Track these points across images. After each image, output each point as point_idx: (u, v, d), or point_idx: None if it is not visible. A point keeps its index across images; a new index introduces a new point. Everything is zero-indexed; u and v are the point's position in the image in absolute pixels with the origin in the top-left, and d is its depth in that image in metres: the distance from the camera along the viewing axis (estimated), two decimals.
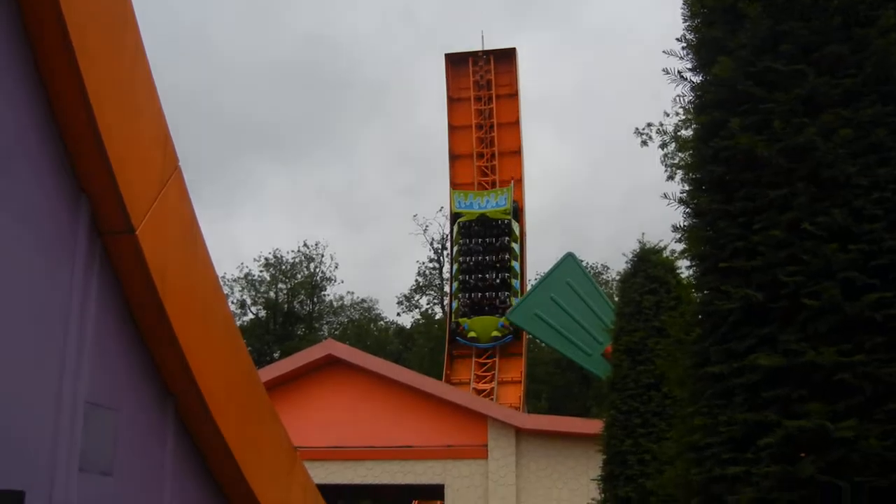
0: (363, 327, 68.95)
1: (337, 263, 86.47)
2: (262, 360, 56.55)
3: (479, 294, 40.88)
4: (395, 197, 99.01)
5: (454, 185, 44.75)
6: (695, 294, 6.10)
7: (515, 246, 41.56)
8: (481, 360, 40.08)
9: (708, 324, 5.59)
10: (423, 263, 69.07)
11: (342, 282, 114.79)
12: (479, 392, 37.20)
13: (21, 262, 4.96)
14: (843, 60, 5.28)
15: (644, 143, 36.41)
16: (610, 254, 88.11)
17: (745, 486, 4.85)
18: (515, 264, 41.16)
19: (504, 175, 44.09)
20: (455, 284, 41.95)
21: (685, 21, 6.20)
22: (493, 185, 44.11)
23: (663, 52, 6.22)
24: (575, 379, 56.72)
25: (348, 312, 71.31)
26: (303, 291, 67.47)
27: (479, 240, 41.48)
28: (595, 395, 48.82)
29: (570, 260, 27.47)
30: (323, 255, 68.82)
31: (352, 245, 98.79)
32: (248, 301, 66.63)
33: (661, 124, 35.05)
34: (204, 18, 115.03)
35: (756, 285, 5.13)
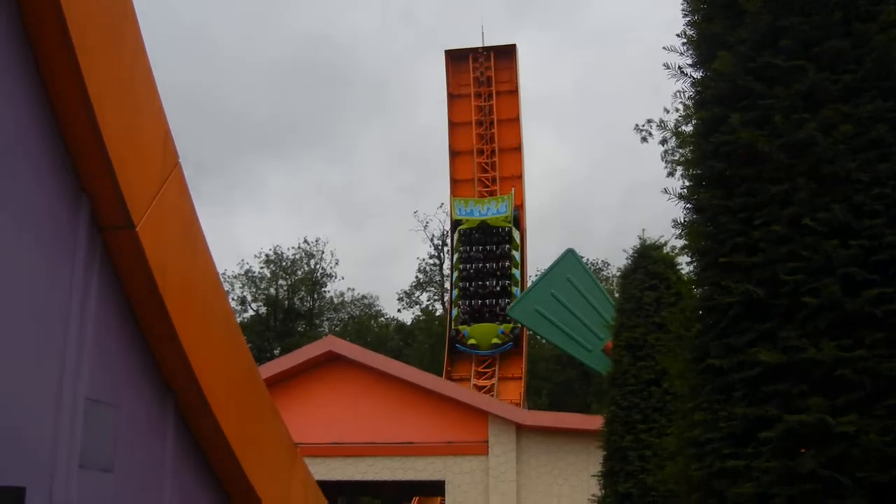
0: (364, 324, 68.95)
1: (337, 260, 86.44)
2: (262, 356, 56.57)
3: (479, 301, 40.80)
4: (396, 194, 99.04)
5: (454, 182, 44.76)
6: (695, 290, 6.11)
7: (516, 254, 41.46)
8: (482, 357, 40.07)
9: (708, 319, 5.59)
10: (424, 260, 69.14)
11: (343, 278, 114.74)
12: (479, 388, 37.20)
13: (21, 259, 4.96)
14: (844, 56, 5.28)
15: (644, 139, 36.36)
16: (610, 250, 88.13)
17: (746, 481, 4.86)
18: (516, 272, 41.06)
19: (504, 172, 44.08)
20: (455, 292, 41.86)
21: (685, 17, 6.20)
22: (494, 181, 44.09)
23: (663, 48, 6.22)
24: (575, 375, 56.75)
25: (349, 309, 71.35)
26: (303, 288, 67.47)
27: (480, 247, 41.40)
28: (595, 391, 48.86)
29: (570, 256, 27.48)
30: (323, 252, 68.85)
31: (352, 242, 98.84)
32: (249, 297, 66.67)
33: (662, 121, 35.00)
34: (204, 17, 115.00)
35: (756, 281, 5.13)
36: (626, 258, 13.76)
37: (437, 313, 64.70)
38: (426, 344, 60.36)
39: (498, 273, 40.79)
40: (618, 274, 33.41)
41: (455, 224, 42.99)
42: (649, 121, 33.87)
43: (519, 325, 39.66)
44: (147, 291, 5.88)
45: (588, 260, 58.52)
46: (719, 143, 5.52)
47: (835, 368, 4.72)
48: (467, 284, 41.11)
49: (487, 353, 39.44)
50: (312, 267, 67.96)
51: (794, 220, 5.06)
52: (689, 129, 6.24)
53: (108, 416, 5.71)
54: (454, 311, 41.25)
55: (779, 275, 5.00)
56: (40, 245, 5.16)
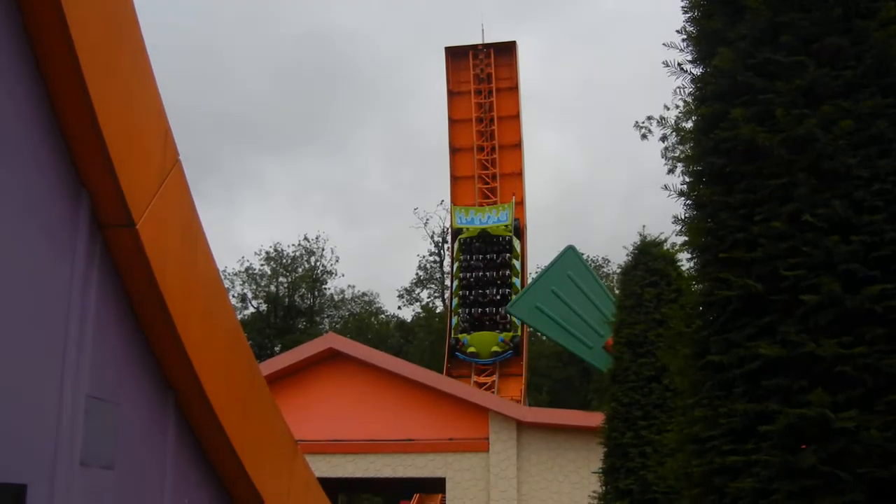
0: (364, 321, 69.01)
1: (338, 257, 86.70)
2: (262, 353, 56.62)
3: (479, 310, 40.73)
4: (396, 190, 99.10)
5: (454, 179, 44.76)
6: (695, 286, 6.11)
7: (516, 262, 41.42)
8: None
9: (708, 315, 5.59)
10: (424, 257, 69.21)
11: (343, 275, 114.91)
12: (480, 386, 37.24)
13: (21, 256, 4.96)
14: (844, 52, 5.27)
15: (644, 136, 36.34)
16: (610, 247, 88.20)
17: (746, 477, 4.86)
18: (516, 280, 41.05)
19: (504, 168, 44.11)
20: (455, 301, 41.79)
21: (685, 13, 6.20)
22: (494, 178, 44.08)
23: (663, 44, 6.22)
24: (576, 372, 56.81)
25: (349, 306, 71.42)
26: (303, 285, 67.53)
27: (480, 256, 41.34)
28: (596, 387, 48.88)
29: (570, 253, 27.42)
30: (323, 249, 68.94)
31: (352, 238, 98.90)
32: (249, 295, 66.76)
33: (663, 118, 34.98)
34: (204, 14, 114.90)
35: (756, 276, 5.13)
36: (627, 255, 13.77)
37: (438, 310, 64.76)
38: (426, 341, 60.43)
39: (498, 282, 40.70)
40: (618, 271, 33.38)
41: (456, 233, 42.96)
42: (649, 118, 33.87)
43: (519, 334, 39.69)
44: (147, 289, 5.88)
45: (588, 257, 58.56)
46: (719, 140, 5.52)
47: (835, 365, 4.72)
48: (467, 293, 41.04)
49: (487, 362, 39.33)
50: (313, 264, 68.04)
51: (795, 217, 5.06)
52: (689, 125, 6.23)
53: (109, 413, 5.72)
54: (454, 320, 41.13)
55: (779, 270, 5.00)
56: (40, 243, 5.16)
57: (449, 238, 51.36)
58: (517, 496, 26.68)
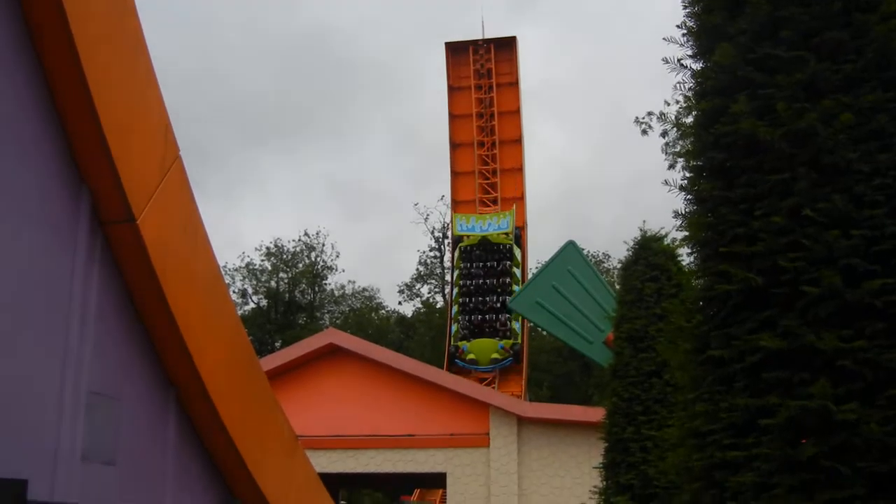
0: (364, 316, 69.07)
1: (338, 252, 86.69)
2: (263, 349, 56.65)
3: (480, 317, 40.61)
4: (396, 186, 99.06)
5: (454, 174, 44.73)
6: (696, 281, 6.11)
7: (517, 271, 41.33)
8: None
9: (708, 309, 5.59)
10: (424, 252, 69.24)
11: (343, 271, 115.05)
12: (480, 381, 37.23)
13: (22, 252, 4.97)
14: (844, 46, 5.27)
15: (644, 132, 36.29)
16: (611, 242, 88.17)
17: (747, 471, 4.87)
18: (516, 288, 40.94)
19: (505, 164, 44.07)
20: (455, 308, 41.68)
21: (685, 7, 6.19)
22: (494, 173, 44.04)
23: (663, 39, 6.21)
24: (576, 367, 56.84)
25: (349, 301, 71.47)
26: (304, 280, 67.58)
27: (480, 264, 41.23)
28: (596, 382, 48.92)
29: (571, 248, 27.43)
30: (324, 244, 69.01)
31: (353, 234, 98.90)
32: (250, 290, 66.82)
33: (663, 114, 34.93)
34: (205, 5, 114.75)
35: (757, 271, 5.13)
36: (627, 250, 13.73)
37: (438, 305, 64.80)
38: (427, 336, 60.46)
39: (498, 290, 40.57)
40: (619, 266, 33.39)
41: (456, 240, 42.87)
42: (650, 113, 33.81)
43: (519, 342, 39.60)
44: (148, 284, 5.89)
45: (589, 252, 58.54)
46: (720, 134, 5.52)
47: (835, 358, 4.73)
48: (467, 300, 40.93)
49: (486, 369, 39.18)
50: (313, 259, 68.07)
51: (795, 211, 5.06)
52: (689, 120, 6.22)
53: (110, 409, 5.73)
54: (454, 328, 40.99)
55: (779, 264, 5.00)
56: (42, 238, 5.16)
57: (449, 234, 51.31)
58: (518, 491, 26.70)
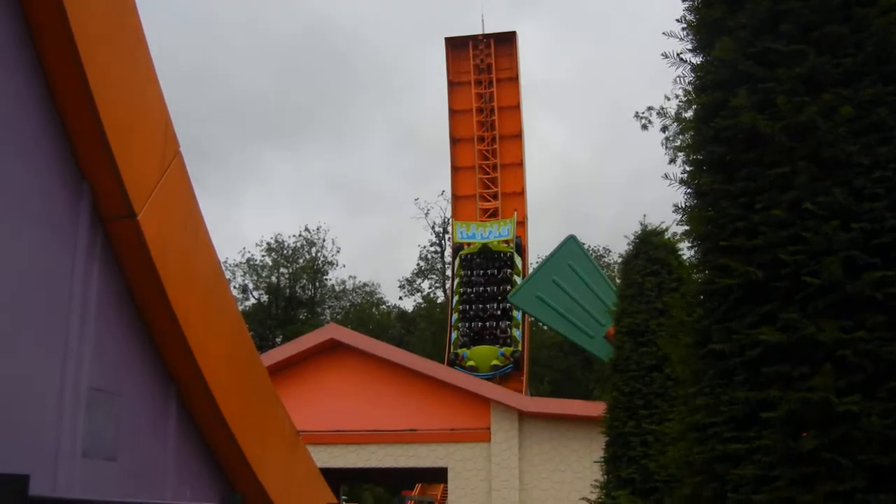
0: (365, 311, 69.06)
1: (339, 248, 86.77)
2: (264, 344, 56.67)
3: (480, 324, 40.50)
4: (397, 181, 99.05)
5: (454, 169, 44.71)
6: (696, 275, 6.11)
7: (518, 279, 41.24)
8: None
9: (709, 303, 5.60)
10: (425, 247, 69.21)
11: (344, 266, 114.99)
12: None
13: (23, 248, 4.97)
14: (844, 40, 5.27)
15: (644, 127, 36.26)
16: (611, 237, 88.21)
17: (748, 465, 4.87)
18: None
19: (505, 159, 44.03)
20: (455, 316, 41.57)
21: (685, 2, 6.19)
22: (494, 168, 44.00)
23: (663, 33, 6.21)
24: (577, 362, 56.84)
25: (350, 296, 71.46)
26: (305, 276, 67.56)
27: (481, 272, 41.14)
28: (597, 377, 48.89)
29: (571, 242, 27.40)
30: (324, 240, 69.00)
31: (353, 229, 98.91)
32: (250, 286, 66.83)
33: (663, 108, 34.89)
34: (205, 10, 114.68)
35: (757, 264, 5.13)
36: (628, 244, 13.74)
37: (439, 300, 64.78)
38: (428, 331, 60.46)
39: (499, 298, 40.46)
40: (619, 260, 33.38)
41: (457, 249, 42.80)
42: (650, 108, 33.79)
43: (520, 349, 39.51)
44: (148, 280, 5.89)
45: (589, 246, 58.55)
46: (720, 128, 5.51)
47: (835, 350, 4.73)
48: (468, 307, 40.82)
49: (486, 376, 39.05)
50: (314, 255, 68.03)
51: (795, 204, 5.06)
52: (689, 114, 6.22)
53: (111, 404, 5.73)
54: (454, 335, 40.86)
55: (780, 257, 5.00)
56: (42, 235, 5.16)
57: (450, 229, 51.29)
58: (519, 485, 26.75)
